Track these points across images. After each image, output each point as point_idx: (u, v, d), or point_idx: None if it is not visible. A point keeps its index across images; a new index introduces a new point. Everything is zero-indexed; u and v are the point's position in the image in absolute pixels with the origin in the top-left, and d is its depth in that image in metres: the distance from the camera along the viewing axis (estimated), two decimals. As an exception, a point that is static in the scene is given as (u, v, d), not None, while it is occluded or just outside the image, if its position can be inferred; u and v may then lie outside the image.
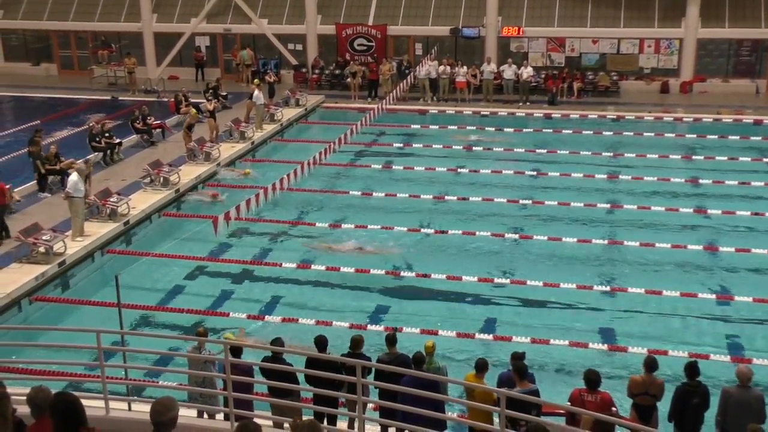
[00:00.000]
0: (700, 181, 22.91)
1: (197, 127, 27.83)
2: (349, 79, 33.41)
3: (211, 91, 29.93)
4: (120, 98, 32.95)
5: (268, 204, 20.12)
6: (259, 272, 17.72)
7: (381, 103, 28.82)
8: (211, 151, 24.56)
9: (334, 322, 14.92)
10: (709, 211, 20.57)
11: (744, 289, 16.32)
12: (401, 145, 27.21)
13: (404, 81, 31.55)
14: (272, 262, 18.10)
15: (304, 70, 35.69)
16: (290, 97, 31.41)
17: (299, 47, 36.10)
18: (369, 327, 14.88)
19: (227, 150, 25.47)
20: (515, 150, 26.10)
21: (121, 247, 19.05)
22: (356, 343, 10.85)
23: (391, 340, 10.94)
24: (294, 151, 26.08)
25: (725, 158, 24.60)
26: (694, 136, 27.39)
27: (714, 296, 16.11)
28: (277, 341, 10.83)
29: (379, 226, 19.75)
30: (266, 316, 15.52)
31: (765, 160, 24.84)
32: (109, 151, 24.80)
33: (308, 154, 22.96)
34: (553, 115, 30.23)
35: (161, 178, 22.07)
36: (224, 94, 31.23)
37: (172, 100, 29.45)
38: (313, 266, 17.74)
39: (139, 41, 37.07)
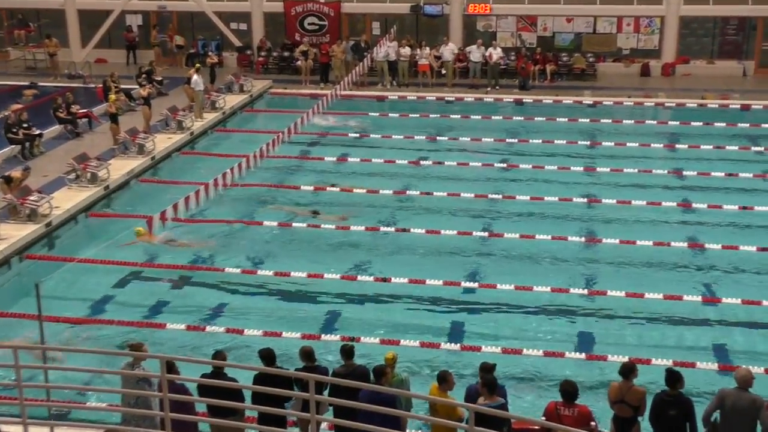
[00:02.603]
0: (684, 172, 23.22)
1: (129, 116, 27.56)
2: (299, 63, 33.29)
3: (144, 75, 29.61)
4: (40, 84, 32.42)
5: (209, 202, 19.94)
6: (199, 278, 17.58)
7: (334, 89, 28.77)
8: (145, 143, 24.30)
9: (283, 333, 14.86)
10: (694, 205, 20.87)
11: (732, 289, 16.57)
12: (357, 135, 27.16)
13: (360, 64, 31.53)
14: (214, 266, 17.97)
15: (248, 52, 35.49)
16: (233, 83, 31.18)
17: (243, 27, 35.87)
18: (323, 337, 14.84)
19: (163, 141, 25.23)
20: (483, 140, 26.22)
21: (42, 251, 18.76)
22: (307, 355, 10.81)
23: (347, 351, 10.91)
24: (238, 143, 25.91)
25: (711, 147, 24.96)
26: (677, 123, 27.77)
27: (700, 298, 16.33)
28: (220, 355, 10.76)
29: (333, 226, 19.72)
30: (207, 327, 15.41)
31: (754, 149, 25.30)
32: (27, 144, 24.39)
33: (254, 146, 22.83)
34: (524, 101, 30.41)
35: (88, 174, 21.78)
36: (159, 79, 30.93)
37: (100, 86, 29.08)
38: (260, 271, 17.64)
39: (62, 20, 36.51)
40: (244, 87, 31.22)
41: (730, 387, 10.08)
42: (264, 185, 22.50)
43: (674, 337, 15.18)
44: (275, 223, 19.98)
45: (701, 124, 27.23)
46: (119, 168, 22.91)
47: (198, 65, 28.97)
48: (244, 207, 21.26)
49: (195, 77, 27.64)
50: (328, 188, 22.17)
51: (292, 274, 17.31)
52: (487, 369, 10.47)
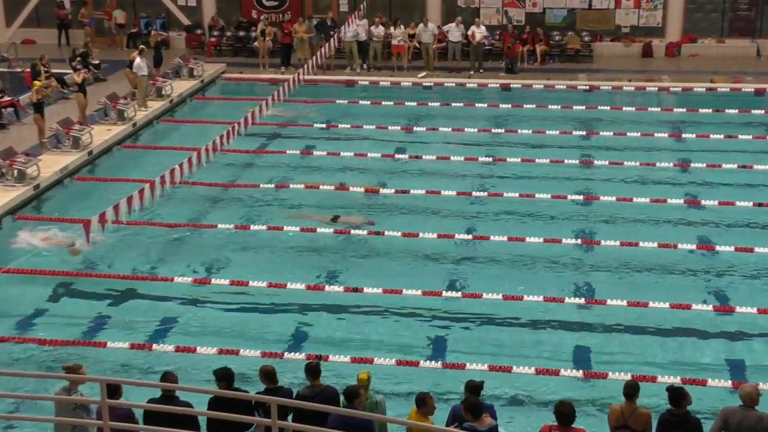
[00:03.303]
0: (692, 165, 23.41)
1: (62, 105, 27.35)
2: (256, 44, 33.19)
3: (78, 59, 29.38)
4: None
5: (155, 202, 19.84)
6: (144, 289, 17.50)
7: (297, 73, 28.71)
8: (81, 136, 24.14)
9: (241, 351, 14.83)
10: (703, 202, 21.02)
11: (747, 297, 16.74)
12: (324, 125, 27.13)
13: (326, 45, 31.50)
14: (161, 276, 17.89)
15: (199, 31, 35.36)
16: (182, 66, 31.06)
17: (192, 3, 35.73)
18: (286, 355, 14.83)
19: (101, 134, 25.08)
20: (466, 130, 26.29)
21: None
22: (268, 376, 10.80)
23: (313, 370, 10.92)
24: (188, 135, 25.84)
25: (722, 137, 25.14)
26: (684, 110, 27.98)
27: (711, 307, 16.47)
28: (170, 376, 10.72)
29: (297, 228, 19.69)
30: (154, 345, 15.34)
31: (769, 138, 25.58)
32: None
33: (206, 139, 22.73)
34: (511, 86, 30.51)
35: (14, 171, 21.61)
36: (96, 62, 30.72)
37: (28, 70, 28.81)
38: (214, 280, 17.60)
39: (-17, -5, 36.23)
40: (194, 71, 31.06)
41: (735, 405, 10.19)
42: (217, 184, 22.43)
43: (682, 351, 15.30)
44: (231, 226, 19.92)
45: (711, 111, 27.44)
46: (51, 164, 22.73)
47: (141, 47, 28.79)
48: (195, 208, 21.18)
49: (138, 60, 27.47)
50: (291, 185, 22.15)
51: (251, 283, 17.27)
52: (473, 388, 10.51)
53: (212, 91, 31.04)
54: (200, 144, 22.17)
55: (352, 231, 19.73)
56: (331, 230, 19.63)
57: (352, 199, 21.48)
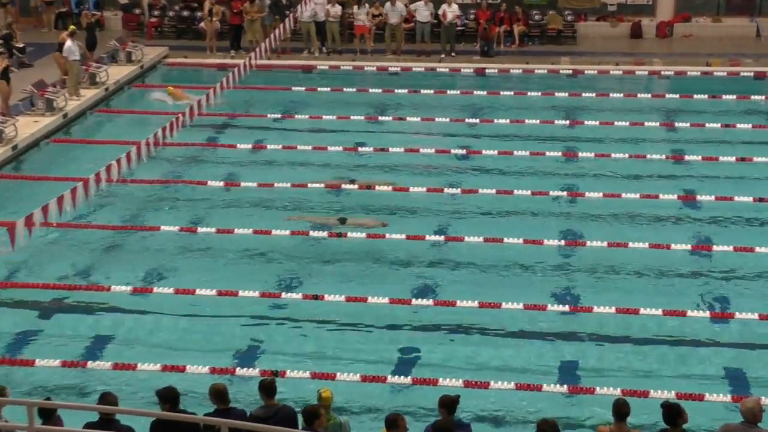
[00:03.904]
0: (687, 157, 23.58)
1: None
2: (202, 24, 33.05)
3: (0, 41, 29.11)
4: None
5: (90, 202, 19.70)
6: (77, 299, 17.41)
7: (248, 58, 28.57)
8: (4, 129, 23.93)
9: (188, 367, 14.78)
10: (698, 198, 21.20)
11: (747, 302, 16.88)
12: (279, 115, 27.11)
13: (281, 26, 31.40)
14: (97, 284, 17.80)
15: (137, 11, 35.15)
16: (118, 50, 30.87)
17: (130, -22, 35.57)
18: (238, 371, 14.78)
19: (27, 126, 24.89)
20: (437, 120, 26.35)
21: None
22: (218, 395, 10.75)
23: (268, 388, 10.90)
24: (126, 127, 25.73)
25: (718, 125, 25.37)
26: (677, 96, 28.18)
27: (708, 314, 16.62)
28: (108, 397, 10.66)
29: (250, 230, 19.64)
30: (89, 362, 15.23)
31: (771, 126, 25.83)
32: None
33: (147, 131, 22.56)
34: (487, 71, 30.62)
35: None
36: (20, 45, 30.45)
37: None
38: (156, 288, 17.53)
39: None
40: (133, 56, 30.88)
41: (736, 422, 10.27)
42: (159, 181, 22.36)
43: (677, 362, 15.40)
44: (175, 228, 19.84)
45: (706, 97, 27.64)
46: (-29, 161, 22.59)
47: (72, 28, 28.59)
48: (135, 208, 21.10)
49: (68, 43, 27.29)
50: (242, 184, 22.09)
51: (198, 291, 17.19)
52: (448, 404, 10.53)
53: (153, 78, 30.87)
54: (140, 137, 21.96)
55: (311, 232, 19.70)
56: (288, 231, 19.58)
57: (310, 197, 21.44)
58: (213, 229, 19.86)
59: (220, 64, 30.41)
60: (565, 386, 14.54)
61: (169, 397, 10.70)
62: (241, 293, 17.13)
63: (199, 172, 23.16)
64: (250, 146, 24.62)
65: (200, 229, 19.91)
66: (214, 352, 15.57)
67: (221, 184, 22.24)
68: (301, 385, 13.98)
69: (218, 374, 14.40)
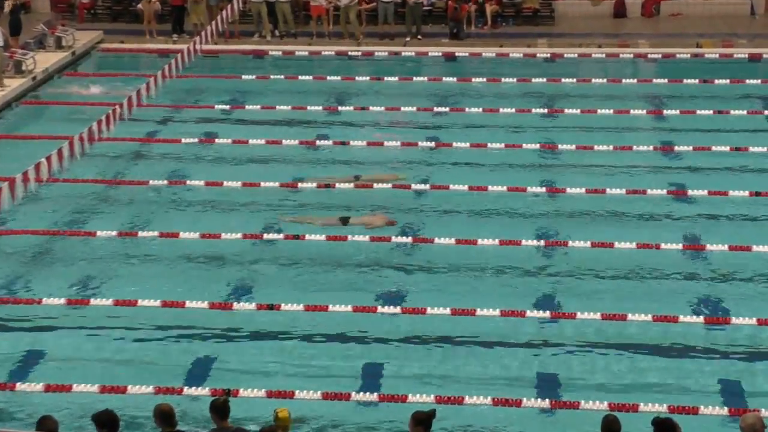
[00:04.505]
0: (676, 148, 23.72)
1: None
2: (140, 6, 32.92)
3: None
4: None
5: (15, 204, 19.57)
6: (4, 313, 17.25)
7: (193, 43, 28.51)
8: None
9: (129, 387, 14.66)
10: (690, 193, 21.31)
11: (743, 306, 16.98)
12: (227, 106, 27.09)
13: (228, 7, 31.33)
14: (26, 297, 17.67)
15: (68, -9, 35.00)
16: (47, 35, 30.68)
17: (59, -45, 35.38)
18: (186, 390, 14.69)
19: (-52, 121, 24.76)
20: (402, 109, 26.38)
21: None
22: (164, 417, 10.71)
23: (219, 409, 10.87)
24: (56, 121, 25.58)
25: (710, 112, 25.57)
26: (665, 80, 28.42)
27: (702, 319, 16.70)
28: (47, 422, 10.61)
29: (197, 234, 19.55)
30: (18, 384, 15.06)
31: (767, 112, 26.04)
32: None
33: (80, 126, 22.45)
34: (457, 55, 30.68)
35: None
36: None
37: None
38: (94, 300, 17.39)
39: None
40: (63, 41, 30.74)
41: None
42: (95, 181, 22.26)
43: (669, 372, 15.46)
44: (114, 233, 19.73)
45: (696, 81, 27.86)
46: None
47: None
48: (69, 211, 20.99)
49: (-10, 28, 27.14)
50: (188, 182, 22.01)
51: (140, 302, 17.09)
52: (422, 420, 10.52)
53: (86, 66, 30.78)
54: (73, 132, 21.88)
55: (265, 235, 19.66)
56: (239, 235, 19.51)
57: (264, 196, 21.40)
58: (156, 233, 19.75)
59: (161, 50, 30.36)
60: (547, 400, 14.54)
61: (107, 422, 10.61)
62: (188, 304, 17.05)
63: (139, 169, 23.08)
64: (196, 141, 24.54)
65: (142, 233, 19.82)
66: (159, 370, 15.51)
67: (164, 182, 22.15)
68: (257, 405, 13.90)
69: (164, 394, 14.26)
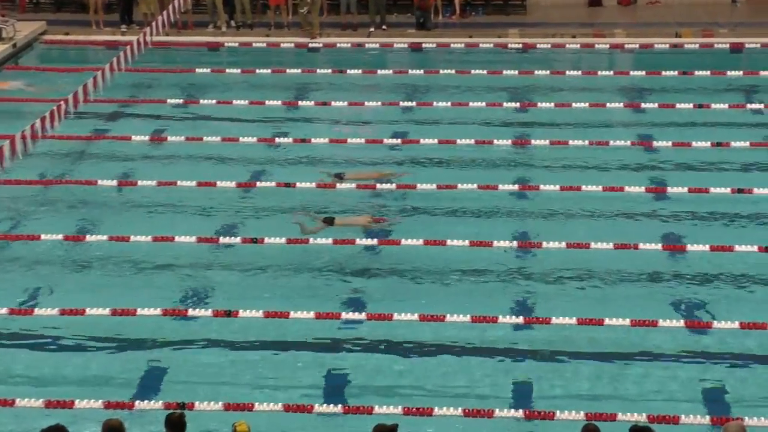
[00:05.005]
0: (655, 143, 23.81)
1: None
2: (87, -6, 32.85)
3: None
4: None
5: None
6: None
7: (143, 34, 28.39)
8: None
9: (76, 402, 14.59)
10: (669, 191, 21.44)
11: (726, 309, 17.10)
12: (180, 101, 27.03)
13: (180, -5, 31.31)
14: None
15: (8, -21, 34.82)
16: (-14, 26, 30.58)
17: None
18: (138, 404, 14.64)
19: None
20: (366, 104, 26.40)
21: None
22: (113, 432, 10.71)
23: (174, 423, 10.85)
24: (-3, 118, 25.44)
25: (690, 106, 25.66)
26: (642, 72, 28.50)
27: (682, 323, 16.78)
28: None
29: (149, 237, 19.50)
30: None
31: (750, 106, 26.13)
32: None
33: (22, 123, 22.34)
34: (424, 46, 30.72)
35: None
36: None
37: None
38: (38, 310, 17.27)
39: None
40: (3, 32, 30.55)
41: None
42: (39, 182, 22.19)
43: (648, 379, 15.53)
44: (59, 237, 19.64)
45: (676, 73, 27.99)
46: None
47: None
48: (10, 213, 20.92)
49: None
50: (139, 183, 21.94)
51: (88, 311, 17.02)
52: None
53: (28, 59, 30.63)
54: (13, 130, 21.75)
55: (221, 239, 19.62)
56: (194, 238, 19.48)
57: (220, 197, 21.36)
58: (104, 237, 19.69)
59: (109, 42, 30.24)
60: (521, 411, 14.59)
61: (56, 434, 10.62)
62: (139, 311, 16.99)
63: (86, 169, 22.98)
64: (147, 138, 24.46)
65: (89, 237, 19.76)
66: (109, 383, 15.45)
67: (114, 183, 22.08)
68: (214, 418, 13.90)
69: (114, 409, 14.25)
